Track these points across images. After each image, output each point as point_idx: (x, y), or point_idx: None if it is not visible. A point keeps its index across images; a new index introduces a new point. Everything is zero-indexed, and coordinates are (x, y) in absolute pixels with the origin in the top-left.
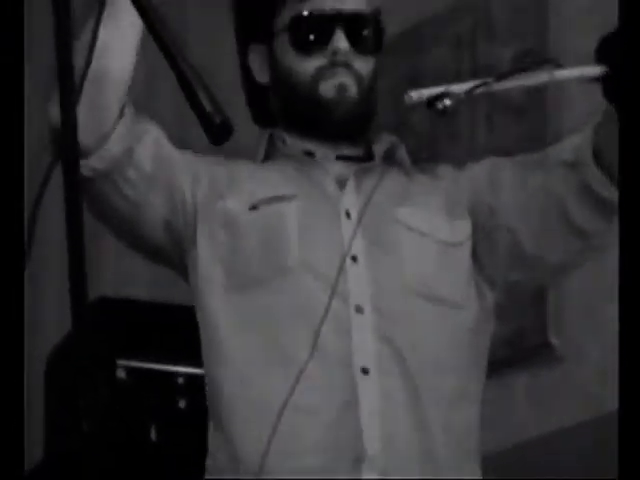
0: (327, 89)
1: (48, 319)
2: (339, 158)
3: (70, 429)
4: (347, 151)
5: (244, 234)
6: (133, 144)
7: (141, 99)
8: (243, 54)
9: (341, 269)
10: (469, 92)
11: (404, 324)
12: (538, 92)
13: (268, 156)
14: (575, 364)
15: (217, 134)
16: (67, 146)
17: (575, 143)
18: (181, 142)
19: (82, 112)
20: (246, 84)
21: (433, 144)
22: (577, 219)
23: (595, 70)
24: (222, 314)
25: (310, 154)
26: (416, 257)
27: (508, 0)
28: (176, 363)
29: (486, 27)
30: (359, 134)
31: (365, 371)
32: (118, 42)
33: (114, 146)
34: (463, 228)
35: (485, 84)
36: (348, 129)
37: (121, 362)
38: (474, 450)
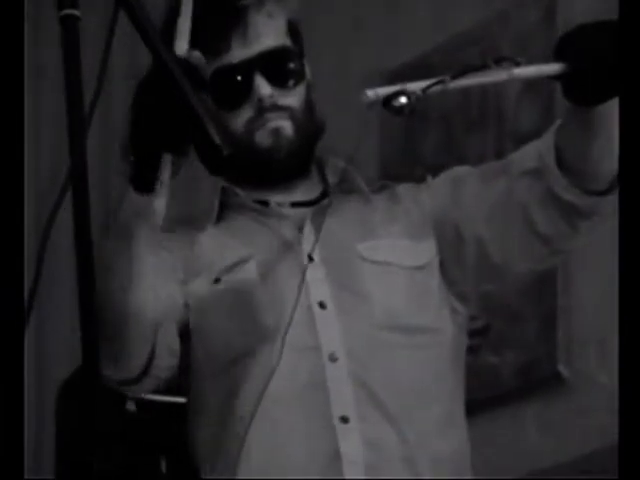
0: (263, 137)
1: (58, 352)
2: (294, 205)
3: (80, 462)
4: (300, 195)
5: (214, 314)
6: (171, 344)
7: None
8: None
9: (291, 319)
10: (425, 90)
11: (380, 365)
12: (549, 119)
13: (224, 208)
14: (586, 394)
15: (221, 165)
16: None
17: (538, 149)
18: None
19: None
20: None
21: None
22: (541, 226)
23: (553, 68)
24: (211, 397)
25: (264, 203)
26: (384, 291)
27: (513, 29)
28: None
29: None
30: (306, 166)
31: (345, 420)
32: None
33: (161, 361)
34: (428, 247)
35: (441, 82)
36: (294, 168)
37: (131, 394)
38: (467, 474)
